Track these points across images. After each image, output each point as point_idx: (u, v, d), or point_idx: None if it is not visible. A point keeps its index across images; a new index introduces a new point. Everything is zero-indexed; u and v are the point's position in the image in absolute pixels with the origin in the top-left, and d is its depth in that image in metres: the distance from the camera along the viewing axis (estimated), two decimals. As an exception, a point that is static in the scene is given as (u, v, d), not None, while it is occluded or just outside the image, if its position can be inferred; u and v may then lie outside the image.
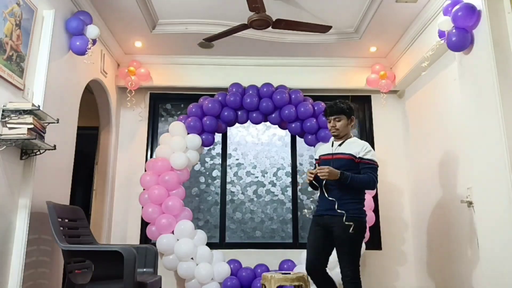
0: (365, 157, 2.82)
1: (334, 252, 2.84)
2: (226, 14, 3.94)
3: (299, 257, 4.13)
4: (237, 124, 4.62)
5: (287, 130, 4.58)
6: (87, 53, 3.47)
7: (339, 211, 2.73)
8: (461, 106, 3.24)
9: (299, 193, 4.74)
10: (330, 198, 2.79)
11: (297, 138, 4.79)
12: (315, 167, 2.94)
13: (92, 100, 4.48)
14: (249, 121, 4.48)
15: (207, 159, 4.80)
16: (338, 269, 2.84)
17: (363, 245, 4.04)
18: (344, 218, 2.70)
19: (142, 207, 4.14)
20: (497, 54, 2.75)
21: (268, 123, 4.62)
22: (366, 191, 2.93)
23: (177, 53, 4.66)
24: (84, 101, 3.94)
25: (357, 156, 2.81)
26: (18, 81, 2.76)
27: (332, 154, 2.90)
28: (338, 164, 2.79)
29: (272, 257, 4.33)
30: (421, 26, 3.86)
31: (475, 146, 2.98)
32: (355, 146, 2.87)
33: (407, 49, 4.27)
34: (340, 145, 2.91)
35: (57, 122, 2.93)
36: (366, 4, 3.79)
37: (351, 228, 2.67)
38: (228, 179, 4.73)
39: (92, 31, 3.48)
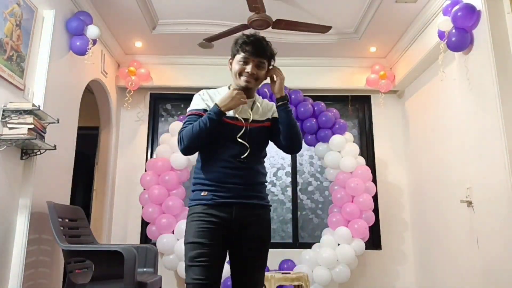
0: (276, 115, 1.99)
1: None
2: (226, 14, 3.94)
3: (299, 257, 4.13)
4: (237, 124, 4.61)
5: (287, 130, 4.56)
6: (87, 53, 3.47)
7: (258, 198, 1.90)
8: (460, 106, 3.25)
9: (299, 193, 4.75)
10: (244, 175, 1.85)
11: (297, 138, 4.78)
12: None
13: (93, 100, 4.48)
14: (249, 121, 4.47)
15: (207, 159, 4.80)
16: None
17: (363, 244, 4.08)
18: (266, 208, 1.94)
19: (142, 207, 4.15)
20: (496, 54, 2.75)
21: (268, 123, 4.61)
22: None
23: (177, 53, 4.66)
24: (84, 101, 3.95)
25: (272, 117, 1.98)
26: (19, 81, 2.76)
27: (249, 120, 1.88)
28: (255, 137, 1.88)
29: (272, 257, 4.27)
30: (421, 26, 3.87)
31: (475, 146, 2.98)
32: (266, 107, 2.00)
33: (407, 49, 4.28)
34: (252, 108, 1.93)
35: (57, 122, 2.93)
36: (366, 4, 3.79)
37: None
38: (228, 179, 4.73)
39: (92, 31, 3.49)
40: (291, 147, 1.95)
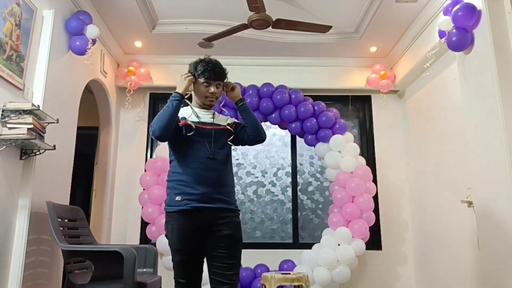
0: (235, 121, 2.36)
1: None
2: (226, 14, 3.94)
3: (299, 257, 4.13)
4: (237, 124, 4.62)
5: (287, 130, 4.57)
6: (87, 53, 3.47)
7: (227, 203, 2.13)
8: (461, 106, 3.24)
9: (299, 193, 4.74)
10: (214, 175, 2.11)
11: (297, 138, 4.79)
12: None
13: (92, 100, 4.47)
14: (249, 121, 4.47)
15: (207, 159, 4.79)
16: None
17: (364, 245, 4.07)
18: (235, 212, 2.17)
19: (142, 207, 4.14)
20: (497, 54, 2.75)
21: (268, 123, 4.62)
22: None
23: (177, 53, 4.66)
24: (84, 101, 3.94)
25: (232, 123, 2.32)
26: (18, 81, 2.76)
27: (213, 124, 2.23)
28: (220, 137, 2.21)
29: (272, 257, 4.33)
30: (421, 26, 3.86)
31: (475, 146, 2.98)
32: (222, 117, 2.34)
33: (407, 49, 4.27)
34: (213, 117, 2.27)
35: (57, 122, 2.93)
36: (366, 4, 3.79)
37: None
38: (228, 179, 4.73)
39: (92, 31, 3.48)
40: (258, 136, 2.28)
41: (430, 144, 4.10)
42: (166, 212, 2.12)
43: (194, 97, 2.28)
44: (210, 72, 2.17)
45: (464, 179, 3.32)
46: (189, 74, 2.19)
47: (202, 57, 2.24)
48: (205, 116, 2.24)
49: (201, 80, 2.19)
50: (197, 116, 2.21)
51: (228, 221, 2.09)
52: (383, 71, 4.56)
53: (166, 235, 2.12)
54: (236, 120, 2.37)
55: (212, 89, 2.20)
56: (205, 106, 2.25)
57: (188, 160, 2.11)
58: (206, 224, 2.05)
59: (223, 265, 2.03)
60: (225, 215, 2.09)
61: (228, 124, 2.29)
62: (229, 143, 2.25)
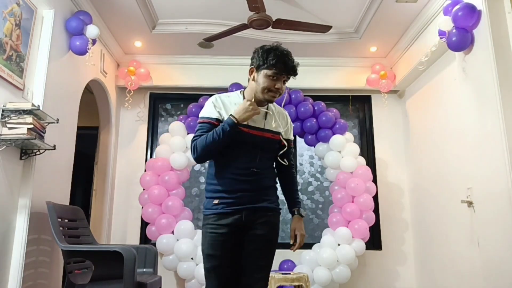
0: (291, 137, 2.12)
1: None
2: (226, 14, 3.94)
3: (299, 257, 4.13)
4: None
5: (287, 130, 4.57)
6: (87, 53, 3.47)
7: (268, 201, 1.98)
8: (461, 106, 3.24)
9: (299, 193, 4.73)
10: (252, 180, 1.94)
11: (297, 138, 4.79)
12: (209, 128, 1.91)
13: (92, 100, 4.47)
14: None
15: (207, 159, 4.79)
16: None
17: (364, 245, 4.07)
18: (274, 211, 2.03)
19: (142, 207, 4.14)
20: (497, 54, 2.75)
21: (268, 123, 4.61)
22: None
23: (177, 53, 4.66)
24: (84, 101, 3.94)
25: (285, 137, 2.06)
26: (18, 81, 2.76)
27: (263, 130, 1.97)
28: (267, 145, 1.98)
29: (272, 257, 4.32)
30: (421, 26, 3.86)
31: (475, 146, 2.98)
32: (281, 117, 2.07)
33: (407, 49, 4.27)
34: (265, 117, 2.00)
35: (57, 122, 2.93)
36: (366, 4, 3.79)
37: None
38: (228, 179, 4.72)
39: (92, 31, 3.48)
40: None
41: (430, 144, 4.10)
42: (204, 214, 1.97)
43: (250, 89, 1.97)
44: (283, 64, 1.87)
45: (464, 179, 3.32)
46: (257, 108, 1.87)
47: (271, 45, 1.93)
48: (257, 116, 1.94)
49: (269, 72, 1.88)
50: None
51: (266, 221, 1.93)
52: (383, 71, 4.56)
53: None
54: (291, 138, 2.11)
55: (278, 84, 1.90)
56: (264, 102, 1.96)
57: (229, 166, 1.92)
58: (242, 224, 1.89)
59: (251, 266, 1.89)
60: (263, 215, 1.93)
61: (279, 133, 2.02)
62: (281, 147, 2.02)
